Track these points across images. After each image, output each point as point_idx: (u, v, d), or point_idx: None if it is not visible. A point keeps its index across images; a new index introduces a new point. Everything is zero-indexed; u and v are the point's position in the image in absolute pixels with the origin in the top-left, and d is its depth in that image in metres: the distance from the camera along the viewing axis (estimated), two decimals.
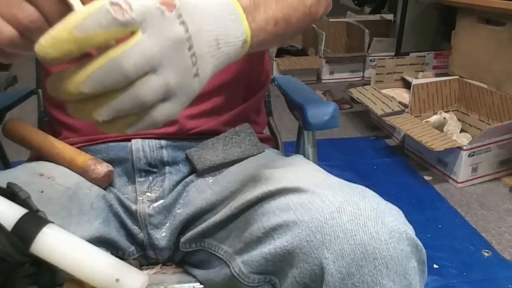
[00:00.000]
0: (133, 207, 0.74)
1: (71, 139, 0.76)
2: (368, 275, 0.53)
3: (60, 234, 0.54)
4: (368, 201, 0.57)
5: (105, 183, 0.74)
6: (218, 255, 0.69)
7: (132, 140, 0.75)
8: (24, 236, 0.52)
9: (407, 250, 0.55)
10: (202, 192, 0.73)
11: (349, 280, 0.54)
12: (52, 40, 0.36)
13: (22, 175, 0.69)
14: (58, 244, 0.53)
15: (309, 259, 0.56)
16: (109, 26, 0.36)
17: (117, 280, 0.52)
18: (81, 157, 0.73)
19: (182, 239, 0.74)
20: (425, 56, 2.81)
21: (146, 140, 0.75)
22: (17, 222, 0.52)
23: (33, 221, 0.53)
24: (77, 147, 0.75)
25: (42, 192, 0.66)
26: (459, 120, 2.13)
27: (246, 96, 0.83)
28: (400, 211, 0.59)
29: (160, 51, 0.38)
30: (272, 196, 0.63)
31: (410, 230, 0.56)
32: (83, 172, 0.72)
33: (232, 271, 0.65)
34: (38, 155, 0.77)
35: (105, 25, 0.36)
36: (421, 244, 0.57)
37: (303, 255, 0.56)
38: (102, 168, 0.72)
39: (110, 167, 0.74)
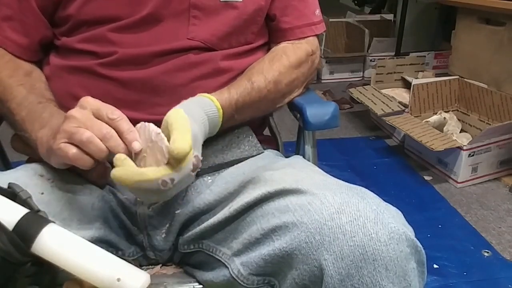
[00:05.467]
0: (133, 208, 0.74)
1: None
2: (368, 276, 0.53)
3: (61, 234, 0.54)
4: (368, 202, 0.57)
5: (101, 179, 0.73)
6: (217, 257, 0.69)
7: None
8: (25, 235, 0.52)
9: (406, 251, 0.55)
10: (200, 192, 0.73)
11: (348, 281, 0.54)
12: (120, 179, 0.59)
13: (23, 176, 0.69)
14: (59, 244, 0.53)
15: (308, 261, 0.56)
16: (155, 189, 0.59)
17: (118, 280, 0.53)
18: None
19: (181, 240, 0.74)
20: (425, 56, 2.81)
21: None
22: (18, 222, 0.52)
23: (34, 221, 0.53)
24: None
25: (42, 193, 0.67)
26: (459, 120, 2.12)
27: None
28: (400, 212, 0.59)
29: (176, 190, 0.62)
30: (271, 197, 0.63)
31: (409, 231, 0.56)
32: (80, 169, 0.72)
33: (231, 272, 0.65)
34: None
35: (155, 188, 0.59)
36: (421, 245, 0.57)
37: (302, 256, 0.56)
38: (97, 164, 0.72)
39: (107, 164, 0.73)
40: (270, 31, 0.87)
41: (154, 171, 0.58)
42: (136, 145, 0.62)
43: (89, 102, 0.63)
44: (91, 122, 0.61)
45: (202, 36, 0.76)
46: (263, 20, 0.83)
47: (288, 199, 0.61)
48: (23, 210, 0.54)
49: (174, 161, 0.58)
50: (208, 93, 0.74)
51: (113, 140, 0.61)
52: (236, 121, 0.76)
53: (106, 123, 0.62)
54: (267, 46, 0.87)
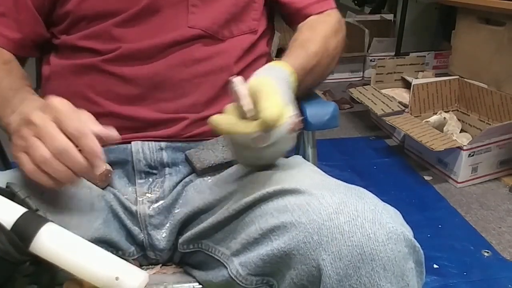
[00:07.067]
0: (133, 208, 0.74)
1: None
2: (366, 276, 0.53)
3: (59, 233, 0.54)
4: (366, 202, 0.57)
5: (103, 182, 0.74)
6: (216, 256, 0.69)
7: (132, 142, 0.75)
8: (23, 234, 0.52)
9: (404, 251, 0.54)
10: (200, 192, 0.73)
11: (346, 281, 0.54)
12: (214, 125, 0.60)
13: (22, 175, 0.69)
14: (57, 243, 0.53)
15: (307, 261, 0.56)
16: (248, 145, 0.59)
17: (116, 278, 0.52)
18: None
19: (180, 240, 0.74)
20: (425, 56, 2.81)
21: (146, 142, 0.75)
22: (16, 221, 0.52)
23: (32, 220, 0.53)
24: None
25: (42, 193, 0.66)
26: (459, 120, 2.12)
27: None
28: (398, 212, 0.59)
29: (272, 154, 0.63)
30: (270, 197, 0.63)
31: (407, 231, 0.56)
32: None
33: (230, 273, 0.65)
34: None
35: (247, 144, 0.59)
36: (419, 245, 0.56)
37: (301, 256, 0.56)
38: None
39: (109, 167, 0.74)
40: (286, 17, 0.87)
41: (245, 125, 0.57)
42: (100, 170, 0.57)
43: (55, 106, 0.56)
44: (47, 133, 0.55)
45: (203, 24, 0.76)
46: (262, 5, 0.83)
47: (287, 199, 0.61)
48: (22, 210, 0.54)
49: (268, 126, 0.57)
50: (213, 88, 0.75)
51: (69, 159, 0.55)
52: (299, 91, 0.73)
53: (68, 136, 0.56)
54: (268, 35, 0.87)
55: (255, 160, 0.66)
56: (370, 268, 0.53)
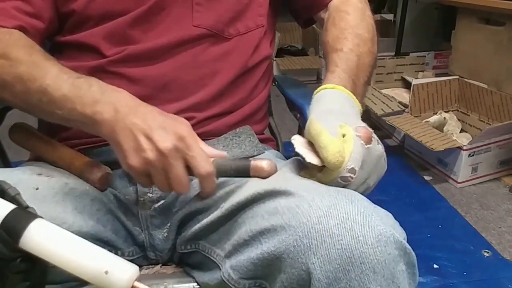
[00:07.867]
0: (134, 208, 0.74)
1: (72, 141, 0.76)
2: (355, 279, 0.53)
3: (49, 228, 0.54)
4: (356, 205, 0.56)
5: (103, 185, 0.73)
6: (212, 258, 0.69)
7: None
8: (12, 231, 0.52)
9: (394, 253, 0.54)
10: (199, 191, 0.73)
11: (336, 285, 0.53)
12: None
13: (18, 173, 0.68)
14: (46, 238, 0.53)
15: (296, 264, 0.55)
16: (344, 184, 0.60)
17: (106, 272, 0.52)
18: (80, 160, 0.73)
19: (179, 240, 0.74)
20: (425, 56, 2.80)
21: None
22: (5, 218, 0.52)
23: (21, 216, 0.53)
24: (79, 150, 0.75)
25: (37, 189, 0.65)
26: (459, 120, 2.13)
27: (250, 97, 0.83)
28: (389, 214, 0.58)
29: (368, 172, 0.61)
30: (261, 198, 0.62)
31: (397, 233, 0.55)
32: (81, 174, 0.72)
33: (222, 276, 0.65)
34: (40, 157, 0.76)
35: (342, 185, 0.60)
36: (410, 247, 0.56)
37: (290, 260, 0.56)
38: (99, 170, 0.72)
39: (108, 170, 0.73)
40: (298, 11, 0.88)
41: (324, 176, 0.60)
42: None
43: (188, 142, 0.62)
44: (175, 176, 0.63)
45: (207, 23, 0.77)
46: (267, 1, 0.83)
47: (278, 201, 0.60)
48: (11, 206, 0.54)
49: (334, 169, 0.59)
50: (218, 87, 0.75)
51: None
52: (361, 90, 0.74)
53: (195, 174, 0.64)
54: (272, 35, 0.87)
55: (368, 188, 0.65)
56: (359, 271, 0.52)
